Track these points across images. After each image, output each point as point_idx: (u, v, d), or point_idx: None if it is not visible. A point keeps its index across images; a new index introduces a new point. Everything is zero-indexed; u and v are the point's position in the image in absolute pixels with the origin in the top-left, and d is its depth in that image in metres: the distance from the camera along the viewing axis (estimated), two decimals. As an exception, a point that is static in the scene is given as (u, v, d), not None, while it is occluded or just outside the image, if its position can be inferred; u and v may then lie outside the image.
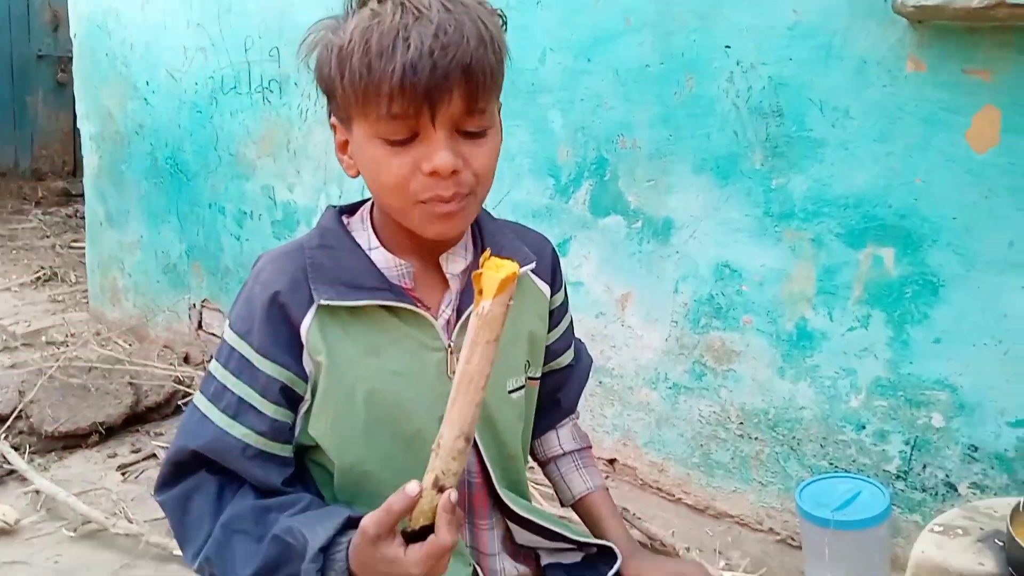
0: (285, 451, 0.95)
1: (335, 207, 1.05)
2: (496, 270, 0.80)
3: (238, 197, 2.99)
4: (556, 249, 1.16)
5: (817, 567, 1.81)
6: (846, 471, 1.86)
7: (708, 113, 1.91)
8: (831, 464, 1.89)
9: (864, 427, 1.82)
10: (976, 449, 1.67)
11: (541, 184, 2.22)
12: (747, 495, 2.04)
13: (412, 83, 0.84)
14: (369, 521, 0.79)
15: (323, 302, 0.93)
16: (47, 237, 5.18)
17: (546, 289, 1.11)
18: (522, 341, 1.06)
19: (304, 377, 0.94)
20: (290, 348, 0.93)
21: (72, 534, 2.04)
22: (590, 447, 1.26)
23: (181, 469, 0.94)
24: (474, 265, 1.02)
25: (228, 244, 3.06)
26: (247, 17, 2.79)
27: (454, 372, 0.95)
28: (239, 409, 0.92)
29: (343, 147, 0.97)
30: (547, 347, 1.14)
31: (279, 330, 0.93)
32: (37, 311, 3.81)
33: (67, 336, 3.46)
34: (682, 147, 1.97)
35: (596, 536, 1.12)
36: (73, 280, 4.26)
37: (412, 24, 0.85)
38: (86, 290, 3.95)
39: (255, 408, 0.92)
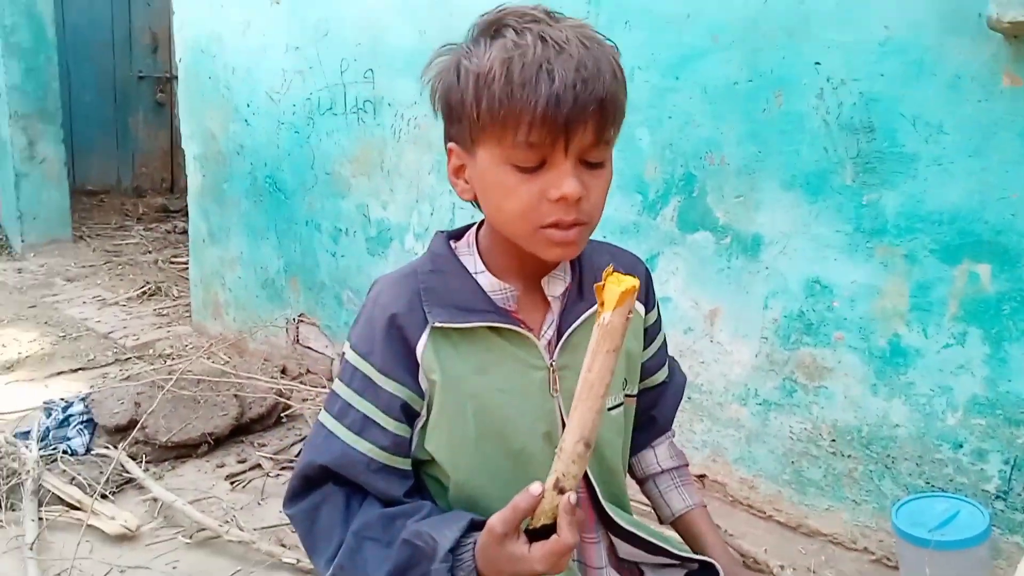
0: (405, 464, 1.03)
1: (443, 232, 1.11)
2: (617, 283, 0.85)
3: (333, 215, 3.11)
4: (648, 268, 1.20)
5: (914, 586, 1.79)
6: (943, 490, 1.83)
7: (797, 129, 1.92)
8: (927, 483, 1.87)
9: (961, 446, 1.79)
10: (1082, 470, 1.63)
11: (628, 200, 2.26)
12: (840, 513, 2.02)
13: (554, 114, 0.89)
14: (496, 519, 0.86)
15: (437, 324, 0.99)
16: (149, 252, 5.45)
17: (641, 308, 1.15)
18: (620, 359, 1.05)
19: (421, 394, 1.01)
20: (408, 367, 1.00)
21: (188, 541, 2.16)
22: (687, 465, 1.29)
23: (309, 483, 1.02)
24: (573, 288, 1.08)
25: (324, 260, 3.19)
26: (343, 41, 2.91)
27: (557, 390, 1.05)
28: (363, 425, 1.00)
29: (458, 171, 1.02)
30: (642, 364, 1.17)
31: (398, 350, 1.00)
32: (144, 324, 4.03)
33: (173, 349, 3.65)
34: (771, 163, 1.98)
35: (696, 553, 1.14)
36: (176, 295, 4.48)
37: (554, 57, 0.89)
38: (188, 304, 4.16)
39: (378, 424, 1.00)
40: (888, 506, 1.93)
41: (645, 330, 1.17)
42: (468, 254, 1.07)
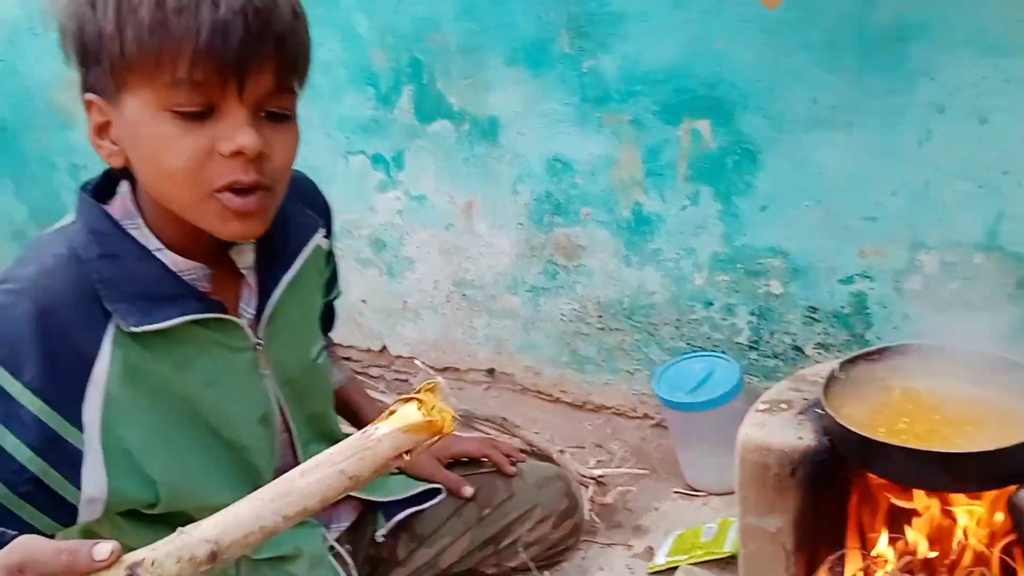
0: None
1: (88, 195, 0.89)
2: (425, 411, 0.63)
3: (66, 150, 2.77)
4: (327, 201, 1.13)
5: (685, 449, 1.82)
6: (702, 349, 1.84)
7: (509, -3, 1.77)
8: (688, 344, 1.87)
9: (712, 303, 1.79)
10: (815, 310, 1.65)
11: (362, 95, 2.07)
12: (619, 385, 2.02)
13: (221, 46, 0.73)
14: (32, 548, 0.62)
15: (134, 328, 0.82)
16: None
17: (324, 242, 1.08)
18: (316, 305, 1.07)
19: (79, 425, 0.82)
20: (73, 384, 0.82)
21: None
22: (332, 343, 1.30)
23: None
24: (264, 253, 0.96)
25: (73, 200, 2.87)
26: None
27: (266, 369, 0.96)
28: None
29: (101, 129, 0.83)
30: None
31: (60, 363, 0.81)
32: None
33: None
34: (491, 38, 1.82)
35: (357, 425, 1.18)
36: None
37: None
38: None
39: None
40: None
41: (327, 255, 1.13)
42: (135, 227, 0.87)
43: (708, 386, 1.73)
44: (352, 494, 1.06)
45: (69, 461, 0.83)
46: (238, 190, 0.80)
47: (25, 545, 0.62)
